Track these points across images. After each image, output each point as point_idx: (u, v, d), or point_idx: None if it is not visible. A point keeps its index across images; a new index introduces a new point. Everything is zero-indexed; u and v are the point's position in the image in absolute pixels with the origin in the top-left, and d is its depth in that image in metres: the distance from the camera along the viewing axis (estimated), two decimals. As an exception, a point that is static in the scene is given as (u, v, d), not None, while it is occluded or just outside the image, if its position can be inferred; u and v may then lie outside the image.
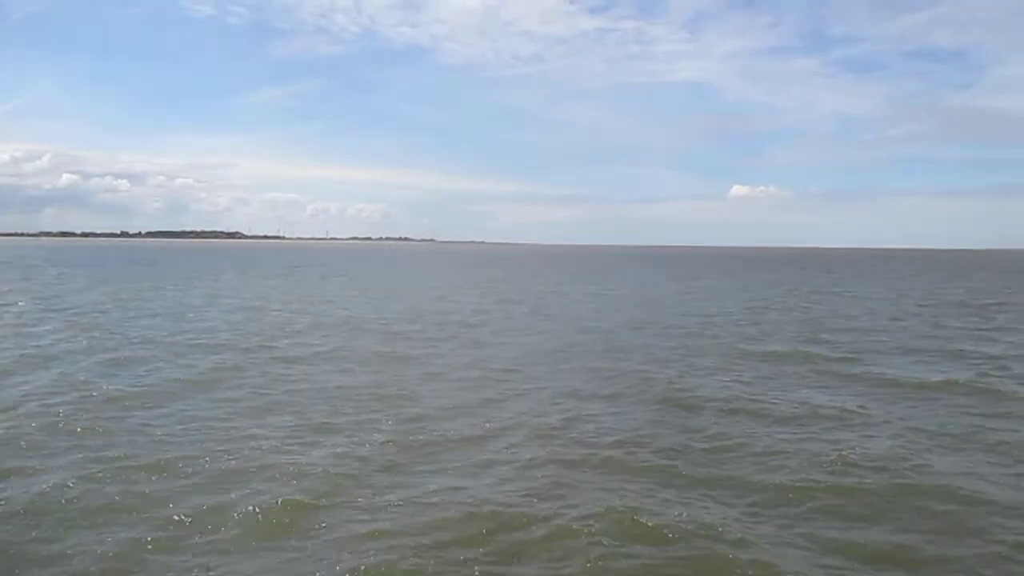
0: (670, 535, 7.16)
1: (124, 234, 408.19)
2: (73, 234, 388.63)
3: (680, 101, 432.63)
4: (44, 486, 8.15)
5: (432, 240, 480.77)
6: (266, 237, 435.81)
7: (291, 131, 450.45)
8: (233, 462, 9.21)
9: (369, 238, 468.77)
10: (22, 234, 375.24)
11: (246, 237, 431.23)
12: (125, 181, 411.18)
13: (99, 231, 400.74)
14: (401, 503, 7.94)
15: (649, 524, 7.36)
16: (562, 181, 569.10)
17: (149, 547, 6.84)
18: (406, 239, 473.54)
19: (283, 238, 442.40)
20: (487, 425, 11.32)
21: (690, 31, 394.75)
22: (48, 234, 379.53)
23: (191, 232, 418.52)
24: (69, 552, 6.71)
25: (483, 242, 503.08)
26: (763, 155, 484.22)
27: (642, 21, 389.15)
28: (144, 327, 22.52)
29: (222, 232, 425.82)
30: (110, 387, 13.33)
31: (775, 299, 37.55)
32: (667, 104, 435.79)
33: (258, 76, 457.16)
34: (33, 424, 10.73)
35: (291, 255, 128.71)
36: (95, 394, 12.80)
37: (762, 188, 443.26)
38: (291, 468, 8.90)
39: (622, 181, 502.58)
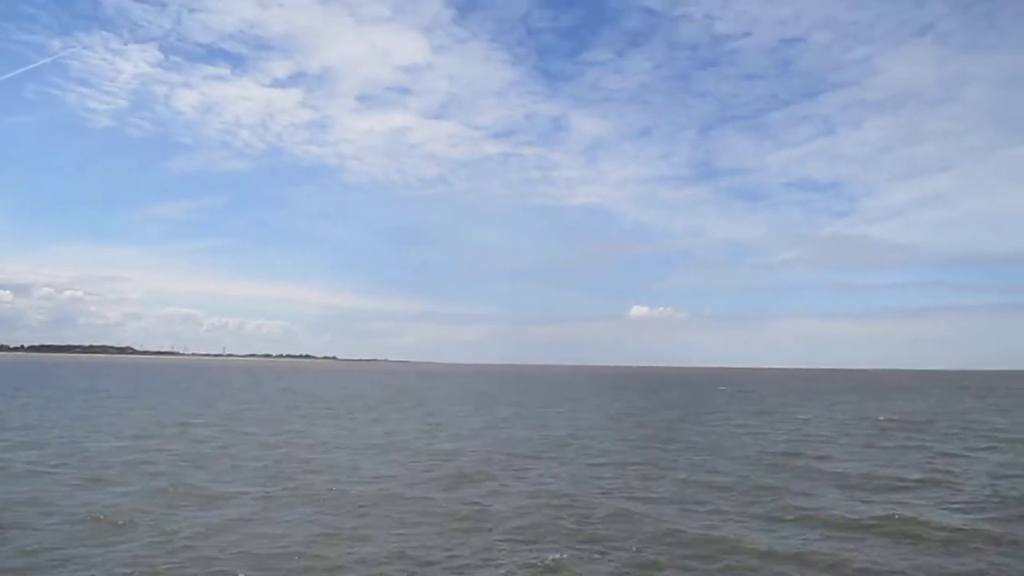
0: None
1: (2, 348, 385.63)
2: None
3: (580, 224, 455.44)
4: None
5: (334, 358, 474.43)
6: (159, 353, 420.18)
7: (190, 245, 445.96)
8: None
9: (269, 355, 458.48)
10: None
11: (137, 352, 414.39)
12: (8, 292, 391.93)
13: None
14: None
15: None
16: (466, 300, 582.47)
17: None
18: (308, 356, 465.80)
19: (178, 354, 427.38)
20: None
21: (587, 158, 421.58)
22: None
23: (77, 347, 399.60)
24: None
25: (386, 360, 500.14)
26: (660, 278, 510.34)
27: (543, 147, 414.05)
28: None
29: (112, 347, 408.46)
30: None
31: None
32: (568, 227, 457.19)
33: (158, 189, 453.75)
34: None
35: (177, 372, 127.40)
36: None
37: (660, 309, 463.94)
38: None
39: (525, 301, 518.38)
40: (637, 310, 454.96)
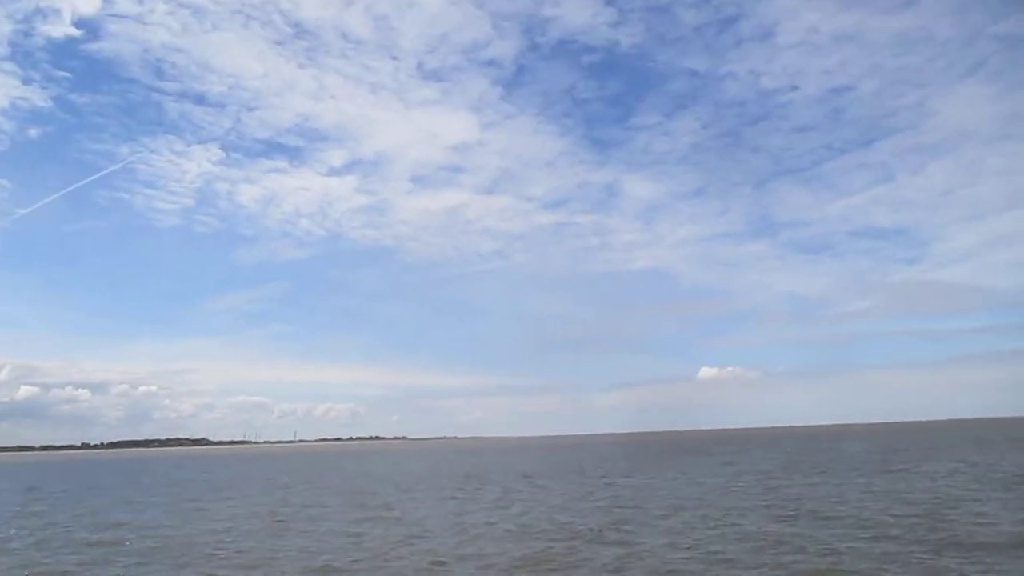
0: None
1: (85, 446, 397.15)
2: (32, 448, 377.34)
3: (640, 288, 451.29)
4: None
5: (404, 438, 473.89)
6: (233, 443, 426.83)
7: (256, 334, 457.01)
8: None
9: (339, 438, 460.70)
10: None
11: (212, 443, 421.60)
12: (86, 391, 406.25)
13: (58, 443, 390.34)
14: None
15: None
16: (529, 372, 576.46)
17: None
18: (378, 438, 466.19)
19: (250, 442, 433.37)
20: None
21: (644, 221, 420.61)
22: (4, 449, 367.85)
23: (155, 440, 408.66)
24: None
25: (455, 437, 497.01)
26: (726, 336, 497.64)
27: (598, 214, 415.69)
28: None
29: (187, 439, 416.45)
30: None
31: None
32: (628, 292, 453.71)
33: (224, 281, 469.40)
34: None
35: (255, 462, 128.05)
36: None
37: (730, 369, 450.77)
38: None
39: (589, 369, 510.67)
40: (706, 371, 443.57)
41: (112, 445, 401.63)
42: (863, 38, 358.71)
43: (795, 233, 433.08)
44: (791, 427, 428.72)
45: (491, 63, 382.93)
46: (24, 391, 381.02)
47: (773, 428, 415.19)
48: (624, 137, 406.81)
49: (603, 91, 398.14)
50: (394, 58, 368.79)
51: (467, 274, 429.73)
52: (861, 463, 55.48)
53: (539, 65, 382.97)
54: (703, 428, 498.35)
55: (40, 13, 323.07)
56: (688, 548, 20.78)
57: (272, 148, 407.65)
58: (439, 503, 36.65)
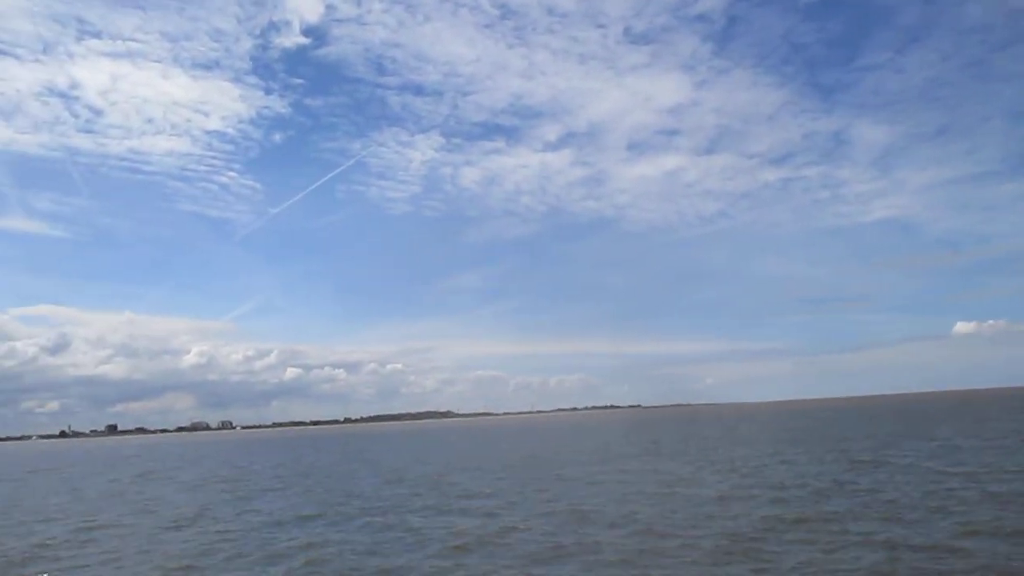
0: None
1: (347, 420, 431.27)
2: (303, 423, 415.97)
3: (879, 241, 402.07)
4: None
5: (639, 405, 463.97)
6: (475, 415, 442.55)
7: (487, 310, 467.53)
8: None
9: (575, 408, 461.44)
10: (259, 426, 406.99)
11: (456, 415, 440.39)
12: (341, 371, 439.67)
13: (324, 418, 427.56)
14: None
15: None
16: (762, 335, 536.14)
17: None
18: (612, 406, 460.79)
19: (491, 414, 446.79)
20: None
21: (880, 169, 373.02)
22: (280, 424, 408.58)
23: (406, 415, 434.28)
24: None
25: (689, 404, 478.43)
26: (983, 288, 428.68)
27: (827, 166, 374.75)
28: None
29: (435, 412, 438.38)
30: None
31: None
32: (865, 245, 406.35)
33: (454, 262, 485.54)
34: None
35: (526, 432, 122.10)
36: None
37: (991, 323, 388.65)
38: None
39: (826, 330, 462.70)
40: (961, 327, 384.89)
41: (370, 419, 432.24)
42: None
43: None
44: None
45: (701, 18, 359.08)
46: (290, 372, 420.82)
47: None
48: (851, 79, 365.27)
49: (823, 33, 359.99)
50: (600, 26, 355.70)
51: (690, 238, 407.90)
52: None
53: (752, 13, 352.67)
54: (961, 388, 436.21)
55: (273, 27, 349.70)
56: None
57: (489, 130, 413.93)
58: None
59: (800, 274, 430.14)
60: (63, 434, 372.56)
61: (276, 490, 34.41)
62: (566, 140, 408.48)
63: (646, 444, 56.85)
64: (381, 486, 33.40)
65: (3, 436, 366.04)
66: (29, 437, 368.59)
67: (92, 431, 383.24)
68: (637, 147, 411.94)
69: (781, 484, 26.10)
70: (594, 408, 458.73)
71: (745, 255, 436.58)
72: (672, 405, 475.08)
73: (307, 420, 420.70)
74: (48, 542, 21.24)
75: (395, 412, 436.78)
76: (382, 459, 55.17)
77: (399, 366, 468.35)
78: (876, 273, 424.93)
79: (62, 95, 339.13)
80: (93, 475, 54.48)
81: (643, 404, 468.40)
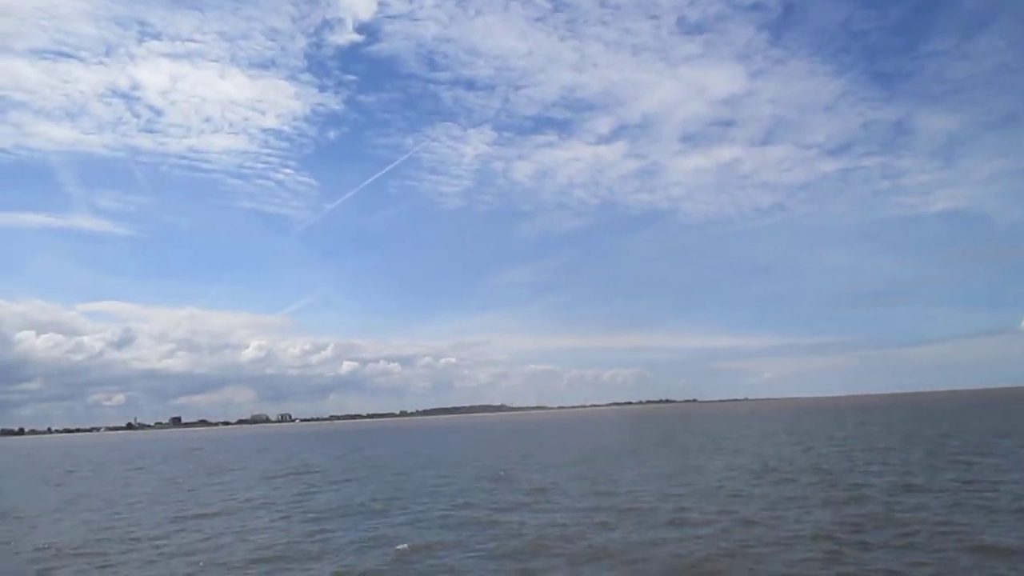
0: None
1: (403, 413, 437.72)
2: (360, 416, 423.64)
3: (941, 233, 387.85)
4: None
5: (694, 400, 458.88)
6: (529, 408, 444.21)
7: (541, 304, 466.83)
8: None
9: (629, 402, 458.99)
10: (317, 418, 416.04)
11: (511, 409, 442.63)
12: (396, 364, 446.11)
13: (380, 411, 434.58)
14: None
15: None
16: (819, 330, 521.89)
17: None
18: (667, 401, 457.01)
19: (545, 408, 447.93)
20: None
21: (943, 158, 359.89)
22: (337, 417, 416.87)
23: (460, 408, 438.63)
24: None
25: (745, 399, 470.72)
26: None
27: (887, 156, 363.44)
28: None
29: (489, 406, 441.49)
30: None
31: None
32: (926, 237, 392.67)
33: (508, 256, 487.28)
34: None
35: (583, 427, 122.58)
36: None
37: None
38: None
39: (885, 324, 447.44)
40: None
41: (425, 412, 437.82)
42: None
43: None
44: None
45: (756, 7, 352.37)
46: (346, 366, 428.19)
47: None
48: (913, 67, 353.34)
49: (884, 19, 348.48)
50: (653, 17, 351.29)
51: (746, 231, 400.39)
52: None
53: (808, 2, 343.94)
54: (1020, 385, 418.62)
55: (327, 25, 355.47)
56: None
57: (541, 123, 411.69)
58: None
59: (859, 267, 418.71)
60: (129, 426, 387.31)
61: (352, 480, 35.95)
62: (619, 132, 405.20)
63: (714, 438, 56.94)
64: (450, 480, 34.57)
65: (74, 428, 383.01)
66: (98, 429, 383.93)
67: (157, 423, 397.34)
68: (691, 139, 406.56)
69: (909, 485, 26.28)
70: (649, 403, 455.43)
71: (802, 248, 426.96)
72: (729, 400, 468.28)
73: (364, 413, 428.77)
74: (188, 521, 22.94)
75: (449, 406, 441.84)
76: (439, 454, 56.55)
77: (453, 360, 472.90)
78: (938, 266, 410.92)
79: (124, 96, 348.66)
80: (184, 466, 57.13)
81: (699, 399, 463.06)
